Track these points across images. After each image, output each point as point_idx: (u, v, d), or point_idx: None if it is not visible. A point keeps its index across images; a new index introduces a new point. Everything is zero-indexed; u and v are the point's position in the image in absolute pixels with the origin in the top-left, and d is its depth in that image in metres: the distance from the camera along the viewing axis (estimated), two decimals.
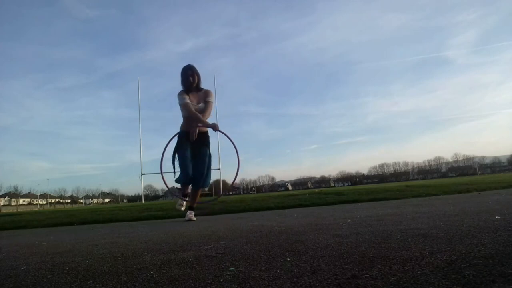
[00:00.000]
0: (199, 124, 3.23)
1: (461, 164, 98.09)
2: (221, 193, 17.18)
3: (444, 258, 0.92)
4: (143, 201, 16.76)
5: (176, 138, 3.35)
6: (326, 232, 1.57)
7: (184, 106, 3.22)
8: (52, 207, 62.40)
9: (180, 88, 3.35)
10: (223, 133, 3.39)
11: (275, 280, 0.84)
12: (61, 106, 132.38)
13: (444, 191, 4.94)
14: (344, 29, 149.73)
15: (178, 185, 3.48)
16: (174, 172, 3.28)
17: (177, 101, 3.29)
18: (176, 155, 3.26)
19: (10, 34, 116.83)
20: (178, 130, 3.37)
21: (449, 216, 1.86)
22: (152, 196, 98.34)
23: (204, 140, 3.34)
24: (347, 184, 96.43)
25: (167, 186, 3.53)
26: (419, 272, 0.81)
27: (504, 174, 26.01)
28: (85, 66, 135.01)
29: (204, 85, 3.45)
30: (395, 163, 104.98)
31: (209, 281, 0.88)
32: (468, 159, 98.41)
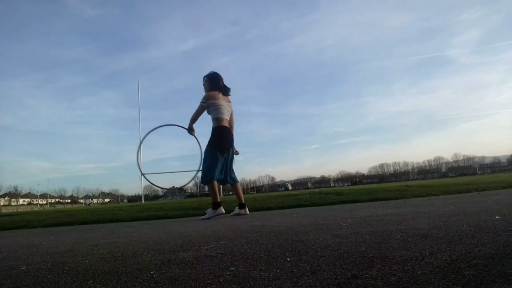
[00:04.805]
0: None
1: (461, 164, 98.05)
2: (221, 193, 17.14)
3: (444, 258, 0.92)
4: (143, 201, 16.76)
5: None
6: (326, 232, 1.57)
7: None
8: (52, 207, 62.38)
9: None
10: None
11: (275, 280, 0.84)
12: (62, 105, 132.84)
13: (444, 191, 4.93)
14: (346, 28, 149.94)
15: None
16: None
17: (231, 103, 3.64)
18: None
19: (11, 32, 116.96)
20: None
21: (449, 216, 1.86)
22: (152, 196, 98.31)
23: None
24: (347, 184, 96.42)
25: None
26: (419, 272, 0.81)
27: (504, 174, 25.98)
28: (86, 65, 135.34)
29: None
30: (395, 163, 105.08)
31: (209, 281, 0.88)
32: (468, 159, 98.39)
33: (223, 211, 3.35)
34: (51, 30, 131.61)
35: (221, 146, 3.41)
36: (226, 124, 3.46)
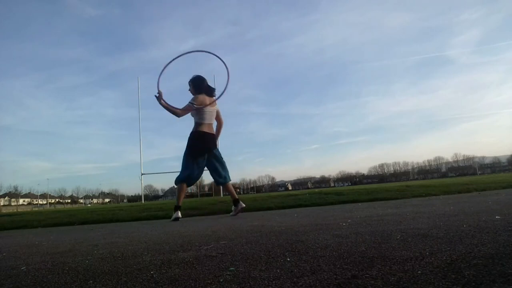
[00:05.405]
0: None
1: (461, 164, 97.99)
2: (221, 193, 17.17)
3: (444, 258, 0.92)
4: (143, 201, 16.75)
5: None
6: (326, 232, 1.57)
7: None
8: (52, 207, 62.40)
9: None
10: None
11: (275, 280, 0.84)
12: (62, 105, 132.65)
13: (444, 191, 4.93)
14: (346, 28, 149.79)
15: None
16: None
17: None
18: None
19: (11, 32, 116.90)
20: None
21: (449, 216, 1.86)
22: (152, 196, 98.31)
23: None
24: (347, 184, 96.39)
25: None
26: (419, 272, 0.81)
27: (504, 174, 25.94)
28: (86, 65, 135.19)
29: None
30: (395, 163, 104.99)
31: (209, 281, 0.88)
32: (468, 159, 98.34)
33: (179, 215, 3.45)
34: (51, 30, 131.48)
35: (192, 151, 3.52)
36: (205, 129, 3.55)
